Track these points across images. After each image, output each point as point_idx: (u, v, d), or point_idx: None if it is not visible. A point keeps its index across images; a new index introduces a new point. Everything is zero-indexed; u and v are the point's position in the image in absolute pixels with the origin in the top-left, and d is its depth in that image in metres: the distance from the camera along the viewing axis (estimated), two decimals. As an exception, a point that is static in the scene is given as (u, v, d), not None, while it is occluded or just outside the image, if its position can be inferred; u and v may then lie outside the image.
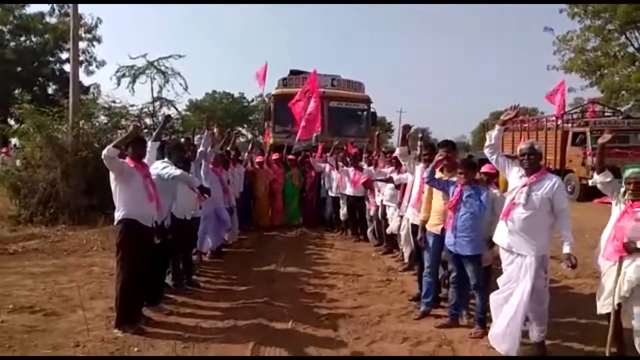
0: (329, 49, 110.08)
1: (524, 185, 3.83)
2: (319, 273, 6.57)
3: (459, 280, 4.53)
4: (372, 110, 12.96)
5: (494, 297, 4.02)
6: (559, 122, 17.34)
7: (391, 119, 50.85)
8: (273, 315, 4.76)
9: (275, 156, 10.53)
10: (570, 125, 17.46)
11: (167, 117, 5.86)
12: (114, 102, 12.41)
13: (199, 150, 6.53)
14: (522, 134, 18.39)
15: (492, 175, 4.92)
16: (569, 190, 16.34)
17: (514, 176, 3.98)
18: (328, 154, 10.04)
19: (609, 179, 3.86)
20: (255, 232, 9.65)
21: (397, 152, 6.21)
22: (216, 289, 5.79)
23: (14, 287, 5.48)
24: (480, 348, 4.08)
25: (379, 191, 7.68)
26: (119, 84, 16.67)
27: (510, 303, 3.84)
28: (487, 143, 4.16)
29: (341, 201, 9.25)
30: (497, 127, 4.15)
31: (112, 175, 4.29)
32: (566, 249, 3.67)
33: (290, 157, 10.55)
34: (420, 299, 5.06)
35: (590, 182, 4.19)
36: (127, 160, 4.31)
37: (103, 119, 12.03)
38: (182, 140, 6.72)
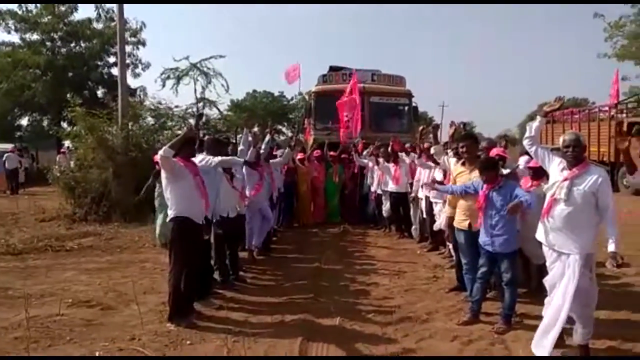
0: (369, 42, 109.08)
1: (565, 180, 3.60)
2: (364, 270, 6.53)
3: (488, 277, 4.53)
4: (413, 104, 12.75)
5: (546, 301, 3.83)
6: (613, 112, 16.53)
7: (433, 114, 49.71)
8: (319, 312, 4.77)
9: (316, 153, 10.56)
10: (625, 115, 16.63)
11: (200, 115, 6.05)
12: (159, 103, 12.80)
13: (239, 149, 6.64)
14: (573, 126, 17.69)
15: (537, 169, 4.65)
16: (625, 184, 15.56)
17: (555, 169, 3.76)
18: (366, 152, 9.95)
19: None
20: (298, 229, 9.73)
21: (432, 151, 6.36)
22: (262, 285, 5.87)
23: (71, 283, 5.76)
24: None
25: (422, 187, 7.55)
26: (163, 86, 17.26)
27: (552, 304, 3.66)
28: (526, 134, 3.98)
29: (383, 197, 9.17)
30: (538, 118, 3.97)
31: (163, 174, 4.41)
32: (611, 247, 3.43)
33: (331, 153, 10.54)
34: (459, 290, 5.21)
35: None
36: (177, 159, 4.39)
37: (150, 120, 12.44)
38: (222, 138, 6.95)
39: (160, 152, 4.26)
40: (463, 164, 5.01)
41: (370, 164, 9.63)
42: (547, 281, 3.80)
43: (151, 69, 27.40)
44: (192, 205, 4.42)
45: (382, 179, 9.01)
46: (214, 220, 5.07)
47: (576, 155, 3.62)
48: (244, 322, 4.48)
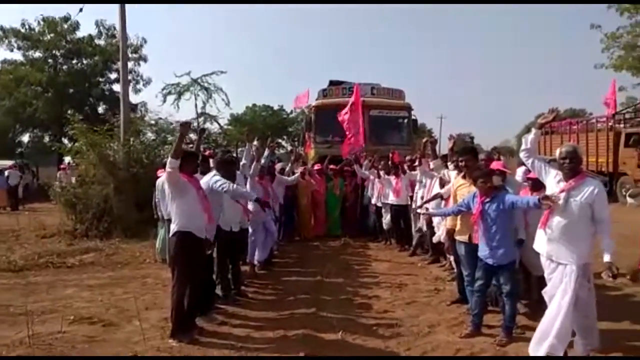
0: (366, 55, 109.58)
1: (562, 191, 3.67)
2: (365, 283, 6.52)
3: (485, 289, 4.51)
4: (413, 117, 12.85)
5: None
6: (611, 122, 16.62)
7: (432, 126, 49.89)
8: (321, 326, 4.76)
9: (317, 167, 10.59)
10: (622, 125, 16.71)
11: (202, 130, 6.11)
12: (160, 118, 12.90)
13: (242, 163, 6.69)
14: (571, 137, 17.76)
15: (537, 180, 4.70)
16: (623, 193, 15.57)
17: (552, 181, 3.83)
18: (365, 163, 9.98)
19: None
20: (299, 243, 9.73)
21: (431, 165, 6.47)
22: (264, 300, 5.86)
23: (73, 299, 5.75)
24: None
25: (422, 198, 7.56)
26: (164, 101, 17.41)
27: (546, 314, 3.69)
28: (522, 147, 4.06)
29: (383, 210, 9.18)
30: (533, 130, 4.05)
31: (167, 190, 4.45)
32: (606, 258, 3.51)
33: (331, 167, 10.58)
34: (461, 302, 5.21)
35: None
36: (180, 175, 4.41)
37: (150, 135, 12.52)
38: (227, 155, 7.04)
39: (167, 166, 4.28)
40: (464, 176, 5.06)
41: (372, 177, 9.66)
42: (546, 293, 3.83)
43: (152, 85, 27.65)
44: (194, 220, 4.44)
45: (382, 192, 9.04)
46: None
47: (573, 167, 3.69)
48: (246, 337, 4.47)
